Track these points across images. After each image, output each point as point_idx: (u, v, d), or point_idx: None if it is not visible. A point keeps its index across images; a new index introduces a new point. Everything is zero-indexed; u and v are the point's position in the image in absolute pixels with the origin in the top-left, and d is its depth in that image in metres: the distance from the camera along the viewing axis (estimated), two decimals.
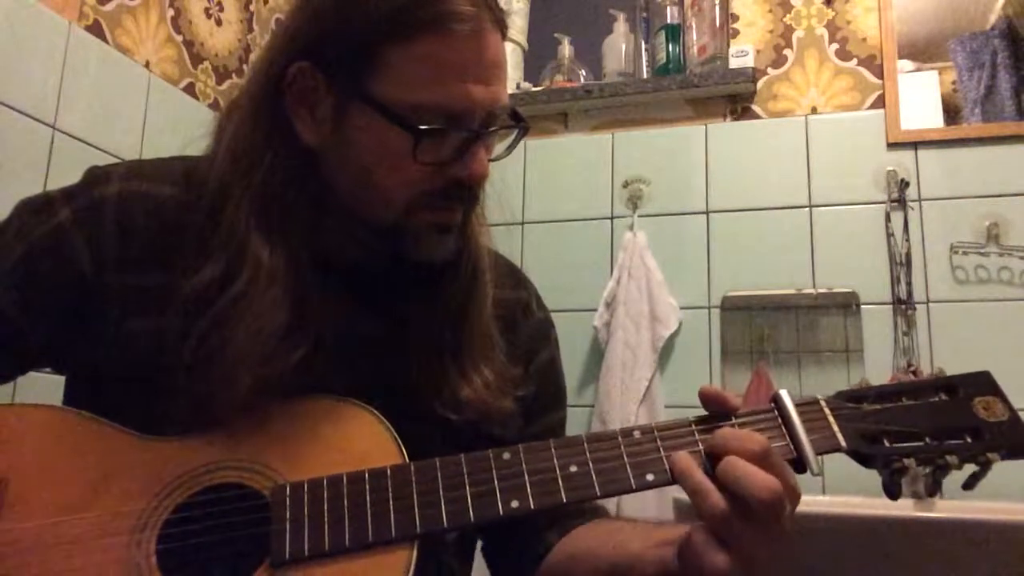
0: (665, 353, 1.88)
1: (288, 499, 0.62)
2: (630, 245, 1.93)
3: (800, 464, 0.62)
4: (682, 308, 1.89)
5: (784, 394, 0.65)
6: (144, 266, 0.71)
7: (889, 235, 1.80)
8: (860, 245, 1.82)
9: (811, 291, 1.82)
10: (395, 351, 0.74)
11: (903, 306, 1.76)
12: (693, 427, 0.64)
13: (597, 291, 1.93)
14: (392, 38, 0.65)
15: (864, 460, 0.64)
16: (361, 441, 0.65)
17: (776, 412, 0.65)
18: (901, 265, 1.78)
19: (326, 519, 0.61)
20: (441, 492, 0.61)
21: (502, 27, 0.71)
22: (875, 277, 1.80)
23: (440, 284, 0.76)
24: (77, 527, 0.62)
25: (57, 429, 0.67)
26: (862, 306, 1.79)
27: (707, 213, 1.95)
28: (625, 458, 0.63)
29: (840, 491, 1.64)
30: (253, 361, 0.65)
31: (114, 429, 0.67)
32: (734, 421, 0.64)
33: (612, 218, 2.01)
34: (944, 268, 1.77)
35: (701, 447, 0.63)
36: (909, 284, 1.76)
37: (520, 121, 0.75)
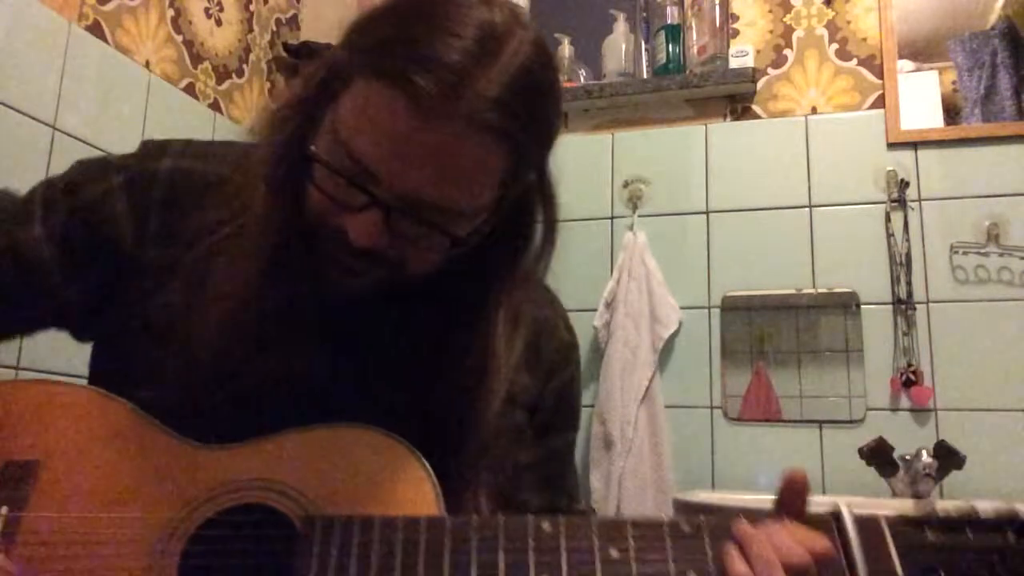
0: (665, 353, 1.88)
1: (318, 533, 0.60)
2: (630, 245, 1.93)
3: None
4: (682, 308, 1.89)
5: (845, 511, 0.61)
6: (183, 242, 0.71)
7: (889, 235, 1.80)
8: (860, 245, 1.82)
9: (811, 291, 1.82)
10: (416, 382, 0.71)
11: (903, 306, 1.76)
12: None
13: (597, 291, 1.93)
14: (361, 71, 0.62)
15: None
16: (402, 485, 0.63)
17: (835, 529, 0.60)
18: (901, 265, 1.78)
19: (353, 563, 0.59)
20: (473, 554, 0.59)
21: (493, 130, 0.60)
22: (875, 277, 1.80)
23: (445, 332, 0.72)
24: (105, 526, 0.61)
25: (96, 416, 0.65)
26: (862, 306, 1.79)
27: (707, 213, 1.94)
28: (669, 551, 0.59)
29: (840, 491, 1.65)
30: (230, 298, 0.65)
31: (155, 427, 0.65)
32: (787, 525, 0.60)
33: (612, 218, 2.01)
34: (944, 268, 1.77)
35: None
36: (909, 284, 1.76)
37: (459, 246, 0.65)
